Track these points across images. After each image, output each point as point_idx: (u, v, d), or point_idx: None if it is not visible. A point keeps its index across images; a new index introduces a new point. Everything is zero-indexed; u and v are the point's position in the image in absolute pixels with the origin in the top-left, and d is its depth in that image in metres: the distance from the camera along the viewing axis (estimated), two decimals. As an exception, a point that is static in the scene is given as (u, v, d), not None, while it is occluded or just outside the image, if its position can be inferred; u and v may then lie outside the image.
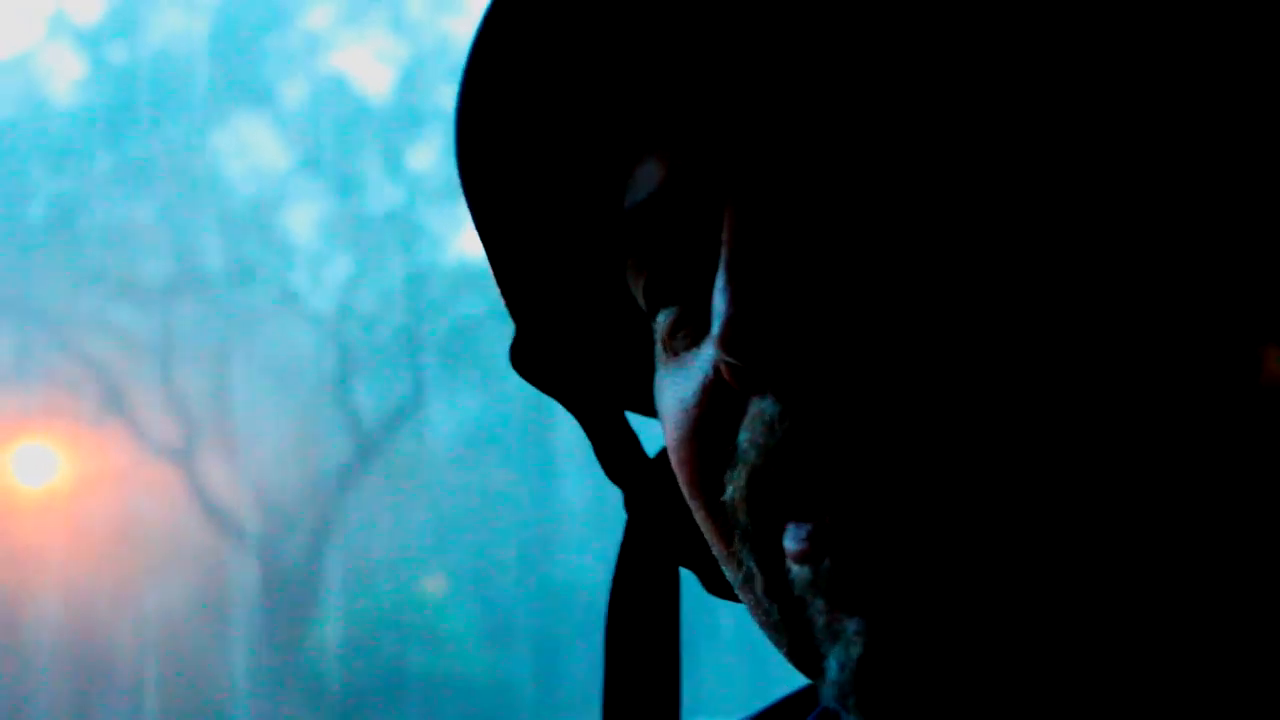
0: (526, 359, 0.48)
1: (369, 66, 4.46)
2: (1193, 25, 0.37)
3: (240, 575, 4.17)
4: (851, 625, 0.37)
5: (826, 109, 0.37)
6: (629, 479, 0.50)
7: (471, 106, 0.43)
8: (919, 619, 0.36)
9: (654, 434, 0.48)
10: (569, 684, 3.79)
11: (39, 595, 3.91)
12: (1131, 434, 0.36)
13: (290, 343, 4.34)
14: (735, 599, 0.45)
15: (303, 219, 4.54)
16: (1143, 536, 0.36)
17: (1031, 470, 0.35)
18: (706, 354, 0.40)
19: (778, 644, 0.41)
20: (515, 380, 0.50)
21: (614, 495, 0.51)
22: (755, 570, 0.40)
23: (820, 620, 0.38)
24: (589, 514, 3.67)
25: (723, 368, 0.37)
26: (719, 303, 0.37)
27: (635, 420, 0.51)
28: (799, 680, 0.47)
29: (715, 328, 0.37)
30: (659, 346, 0.43)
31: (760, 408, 0.37)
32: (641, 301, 0.43)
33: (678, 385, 0.41)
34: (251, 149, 4.41)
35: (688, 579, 0.50)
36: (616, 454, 0.49)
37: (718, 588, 0.48)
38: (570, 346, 0.49)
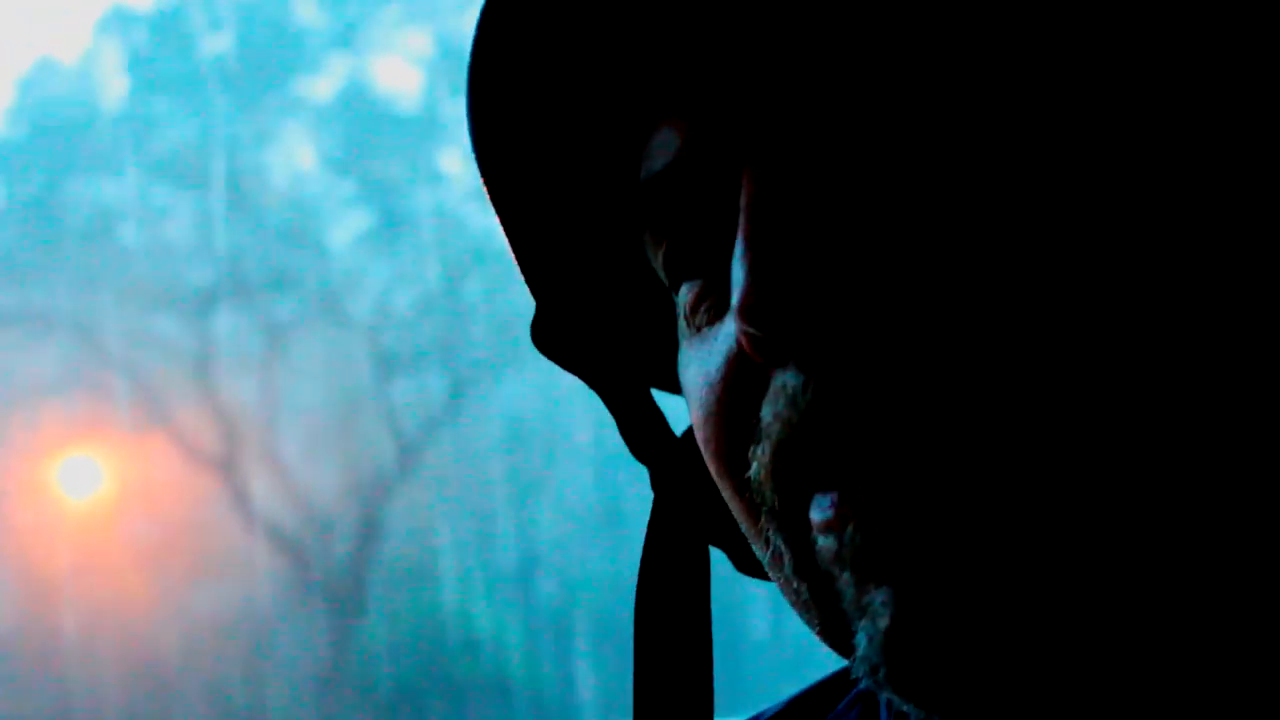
0: (548, 336, 0.48)
1: (399, 68, 4.48)
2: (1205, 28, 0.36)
3: (284, 581, 4.19)
4: (879, 596, 0.36)
5: (848, 73, 0.36)
6: (654, 457, 0.49)
7: (483, 77, 0.42)
8: (946, 587, 0.35)
9: (681, 412, 0.48)
10: (612, 686, 3.79)
11: (86, 606, 3.94)
12: (1153, 402, 0.34)
13: (330, 348, 4.36)
14: (766, 577, 0.45)
15: (341, 223, 4.56)
16: (1168, 506, 0.35)
17: (1057, 437, 0.34)
18: (729, 328, 0.39)
19: (809, 623, 0.40)
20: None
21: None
22: (783, 548, 0.39)
23: (849, 593, 0.37)
24: (635, 514, 3.67)
25: (743, 339, 0.36)
26: (738, 272, 0.36)
27: (662, 400, 0.51)
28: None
29: (735, 298, 0.36)
30: (682, 321, 0.42)
31: (783, 380, 0.36)
32: (662, 274, 0.42)
33: (701, 360, 0.40)
34: (289, 155, 4.43)
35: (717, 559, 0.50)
36: (642, 432, 0.48)
37: (748, 566, 0.47)
38: (592, 322, 0.48)
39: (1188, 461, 0.35)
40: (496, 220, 0.46)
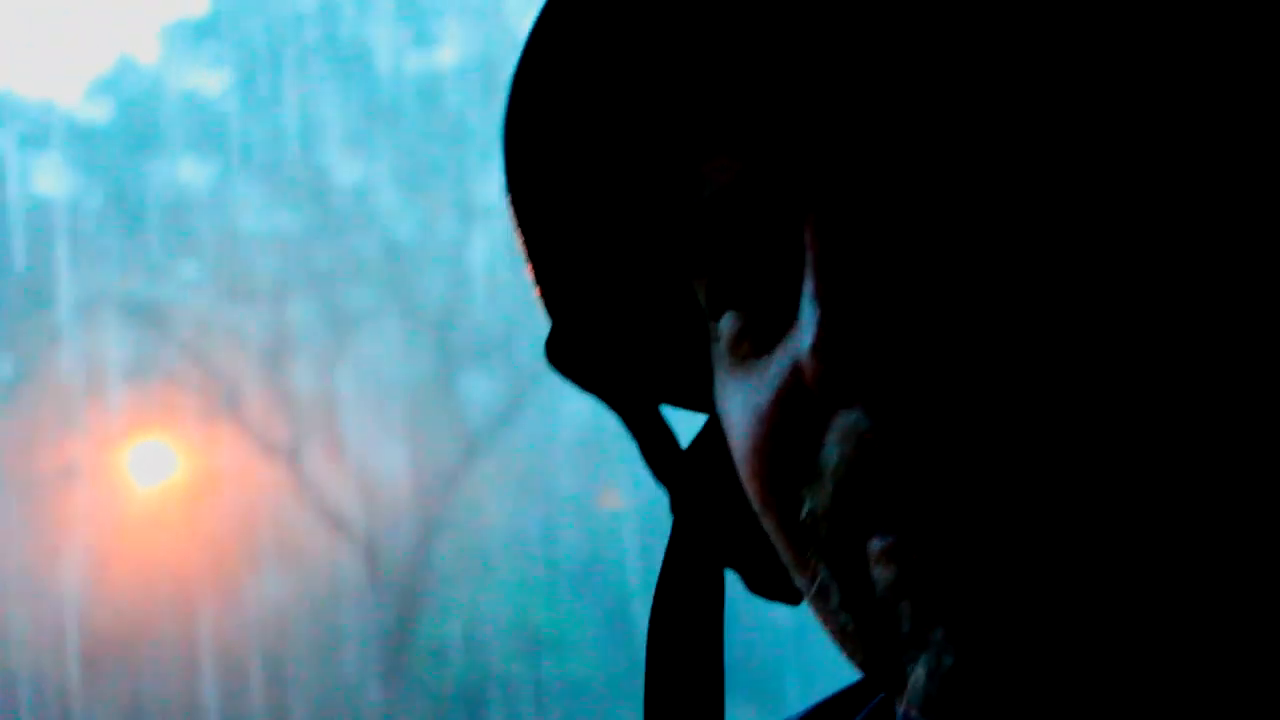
0: (564, 354, 0.47)
1: (467, 58, 4.50)
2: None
3: (349, 572, 4.22)
4: (940, 632, 0.36)
5: (909, 125, 0.37)
6: (673, 479, 0.49)
7: (525, 90, 0.42)
8: (1012, 629, 0.35)
9: (683, 425, 0.48)
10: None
11: (154, 590, 3.99)
12: (1200, 458, 0.35)
13: (400, 339, 4.39)
14: (778, 598, 0.45)
15: (410, 217, 4.59)
16: (1224, 559, 0.35)
17: (1120, 489, 0.35)
18: (781, 363, 0.39)
19: (851, 654, 0.40)
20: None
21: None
22: (831, 581, 0.39)
23: (907, 624, 0.37)
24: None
25: (810, 375, 0.36)
26: (809, 314, 0.36)
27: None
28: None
29: (807, 337, 0.36)
30: (722, 349, 0.42)
31: (849, 420, 0.37)
32: (703, 300, 0.42)
33: (750, 394, 0.40)
34: (362, 146, 4.47)
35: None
36: (660, 453, 0.48)
37: (761, 587, 0.47)
38: (610, 340, 0.47)
39: (1223, 518, 0.35)
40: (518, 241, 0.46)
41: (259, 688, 4.02)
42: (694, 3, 0.40)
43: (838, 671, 0.45)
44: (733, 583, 0.49)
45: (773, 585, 0.45)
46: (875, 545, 0.37)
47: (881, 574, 0.37)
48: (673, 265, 0.43)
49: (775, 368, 0.39)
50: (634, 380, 0.48)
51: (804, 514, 0.39)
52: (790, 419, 0.39)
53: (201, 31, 4.44)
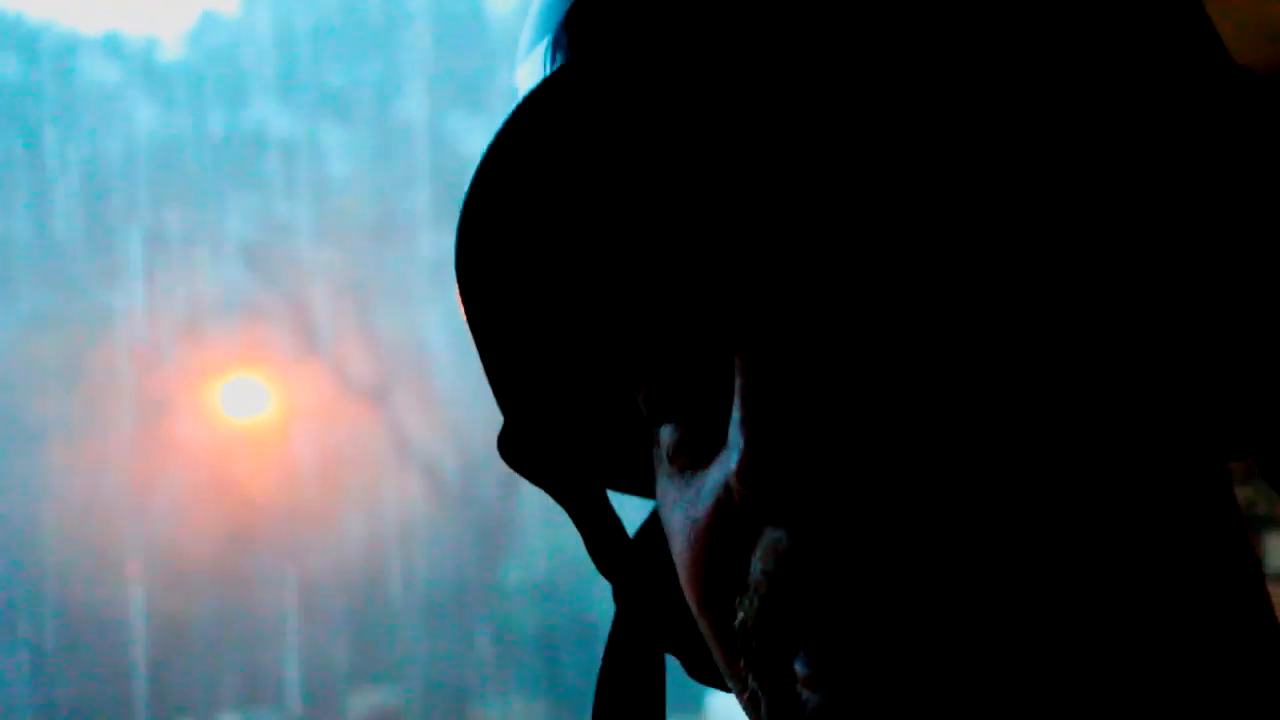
0: (516, 451, 0.49)
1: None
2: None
3: (432, 515, 4.27)
4: None
5: (825, 279, 0.40)
6: (617, 570, 0.51)
7: (474, 226, 0.44)
8: None
9: (631, 510, 0.50)
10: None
11: (242, 522, 4.06)
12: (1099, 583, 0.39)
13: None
14: (718, 685, 0.47)
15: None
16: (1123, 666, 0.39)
17: (1017, 606, 0.38)
18: (715, 477, 0.42)
19: None
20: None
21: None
22: (760, 693, 0.41)
23: None
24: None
25: (737, 494, 0.39)
26: (736, 439, 0.39)
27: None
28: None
29: (733, 460, 0.39)
30: (662, 456, 0.44)
31: (774, 537, 0.39)
32: (643, 409, 0.45)
33: (687, 505, 0.43)
34: (454, 93, 4.48)
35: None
36: (605, 545, 0.51)
37: (701, 674, 0.50)
38: (559, 436, 0.49)
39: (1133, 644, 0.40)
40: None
41: (340, 624, 4.08)
42: (641, 168, 0.42)
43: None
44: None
45: (712, 672, 0.47)
46: (800, 669, 0.40)
47: (809, 698, 0.40)
48: (616, 374, 0.45)
49: (710, 481, 0.42)
50: (583, 470, 0.50)
51: (736, 624, 0.41)
52: (723, 532, 0.41)
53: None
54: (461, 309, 0.45)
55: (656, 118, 0.41)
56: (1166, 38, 0.41)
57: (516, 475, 0.51)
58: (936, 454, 0.39)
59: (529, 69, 0.46)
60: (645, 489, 0.49)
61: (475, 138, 4.54)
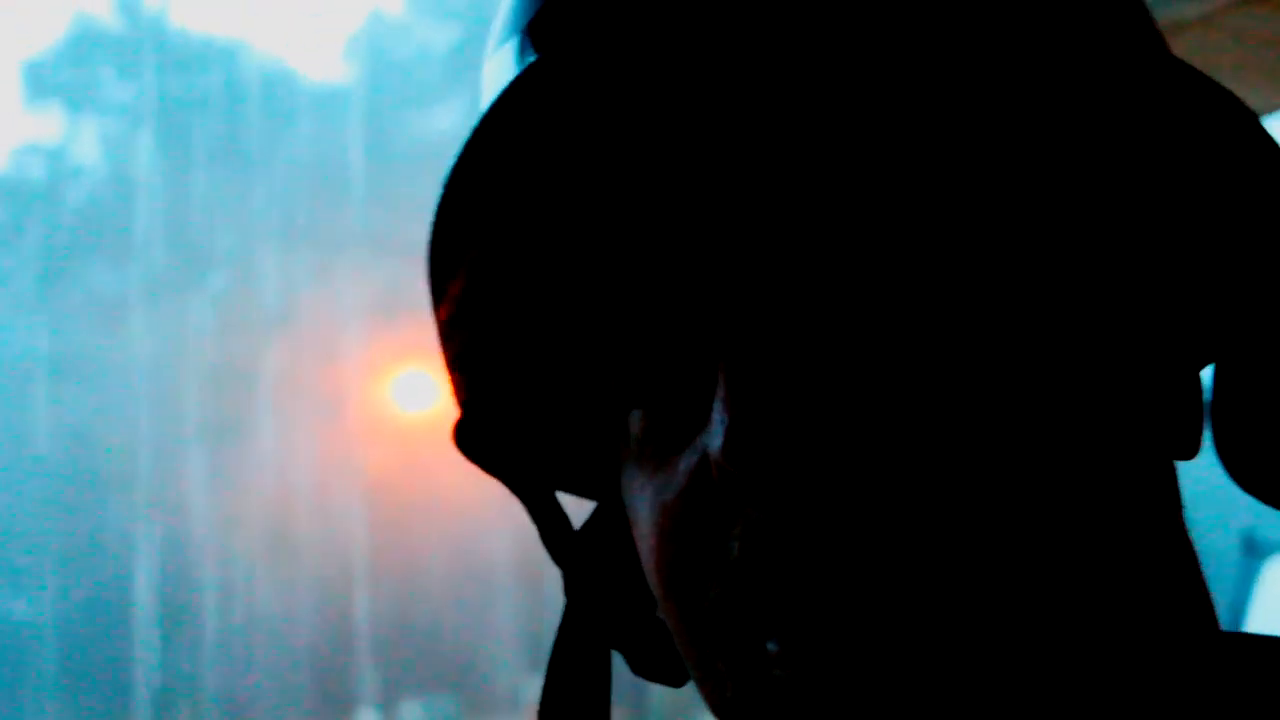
0: (473, 441, 0.49)
1: None
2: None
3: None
4: None
5: (809, 258, 0.41)
6: (567, 560, 0.51)
7: (450, 218, 0.44)
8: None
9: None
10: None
11: (412, 509, 4.16)
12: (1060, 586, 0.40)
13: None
14: (660, 680, 0.49)
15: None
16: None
17: (930, 613, 0.39)
18: (688, 461, 0.42)
19: None
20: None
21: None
22: (728, 675, 0.42)
23: None
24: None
25: (716, 472, 0.40)
26: (720, 415, 0.40)
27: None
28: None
29: (717, 437, 0.39)
30: (632, 443, 0.45)
31: (754, 516, 0.40)
32: (610, 397, 0.45)
33: (657, 490, 0.43)
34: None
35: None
36: (557, 535, 0.51)
37: (644, 669, 0.51)
38: (516, 428, 0.50)
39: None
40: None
41: (516, 613, 4.13)
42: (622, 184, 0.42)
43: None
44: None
45: (654, 668, 0.49)
46: (773, 647, 0.40)
47: (782, 675, 0.40)
48: (584, 365, 0.46)
49: (683, 466, 0.42)
50: (532, 467, 0.51)
51: (706, 605, 0.42)
52: (696, 514, 0.42)
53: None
54: (430, 300, 0.46)
55: (631, 113, 0.41)
56: (1108, 32, 0.43)
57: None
58: (914, 438, 0.40)
59: (498, 64, 0.46)
60: (584, 488, 0.51)
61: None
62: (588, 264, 0.44)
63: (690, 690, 0.47)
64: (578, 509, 0.52)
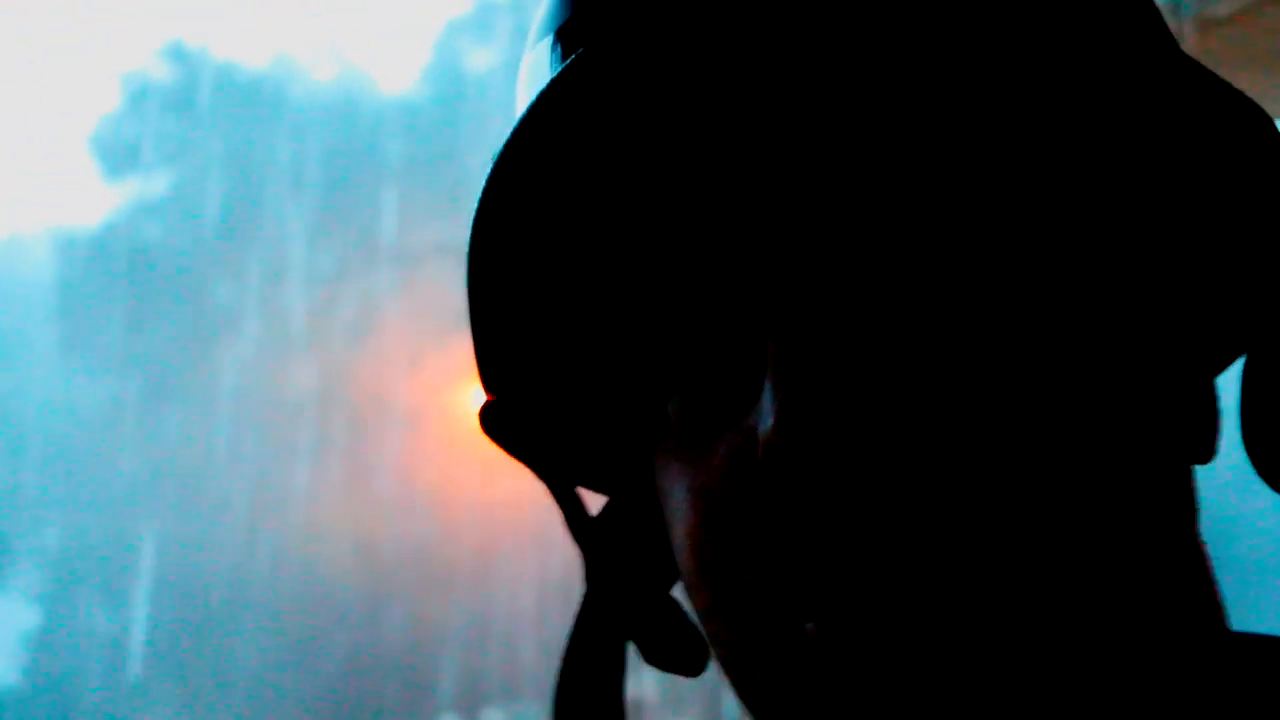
0: (501, 426, 0.50)
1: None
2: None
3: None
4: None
5: (844, 279, 0.41)
6: (588, 545, 0.52)
7: (494, 212, 0.44)
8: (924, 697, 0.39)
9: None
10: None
11: (490, 520, 4.18)
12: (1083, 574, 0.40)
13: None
14: (672, 670, 0.49)
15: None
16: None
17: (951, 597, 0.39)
18: (728, 445, 0.42)
19: None
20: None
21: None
22: (758, 657, 0.42)
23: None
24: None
25: (763, 451, 0.39)
26: (770, 396, 0.40)
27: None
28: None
29: (768, 415, 0.39)
30: (670, 428, 0.45)
31: (800, 496, 0.40)
32: (649, 384, 0.45)
33: (695, 474, 0.43)
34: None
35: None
36: (580, 522, 0.52)
37: (656, 659, 0.50)
38: (540, 414, 0.50)
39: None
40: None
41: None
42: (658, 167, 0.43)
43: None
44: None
45: (668, 658, 0.49)
46: (814, 627, 0.40)
47: (822, 655, 0.40)
48: (623, 354, 0.46)
49: (722, 450, 0.42)
50: (559, 455, 0.51)
51: (742, 589, 0.42)
52: (734, 498, 0.42)
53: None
54: (467, 292, 0.46)
55: (673, 104, 0.42)
56: (1119, 32, 0.42)
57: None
58: (952, 424, 0.40)
59: (534, 66, 0.46)
60: (599, 482, 0.51)
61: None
62: (631, 251, 0.44)
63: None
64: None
